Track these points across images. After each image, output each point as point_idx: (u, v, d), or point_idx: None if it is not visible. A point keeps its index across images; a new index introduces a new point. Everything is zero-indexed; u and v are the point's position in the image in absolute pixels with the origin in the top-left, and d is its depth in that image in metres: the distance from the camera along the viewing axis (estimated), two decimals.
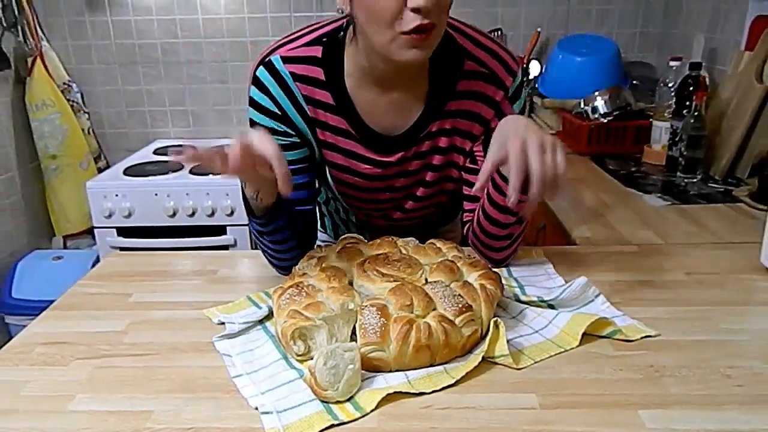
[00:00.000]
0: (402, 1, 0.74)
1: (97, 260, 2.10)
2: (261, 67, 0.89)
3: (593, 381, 0.68)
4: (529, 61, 2.23)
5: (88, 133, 2.39)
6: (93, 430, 0.61)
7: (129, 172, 2.06)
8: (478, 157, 0.93)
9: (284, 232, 0.86)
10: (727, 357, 0.71)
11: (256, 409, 0.63)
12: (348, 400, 0.64)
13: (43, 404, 0.66)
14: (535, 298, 0.83)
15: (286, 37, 0.91)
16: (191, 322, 0.82)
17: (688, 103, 1.48)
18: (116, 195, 1.94)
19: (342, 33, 0.88)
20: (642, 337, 0.76)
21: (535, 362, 0.71)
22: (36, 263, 2.12)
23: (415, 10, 0.74)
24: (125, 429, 0.61)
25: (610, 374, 0.69)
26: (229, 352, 0.74)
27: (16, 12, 2.20)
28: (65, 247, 2.37)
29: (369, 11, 0.76)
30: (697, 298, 0.86)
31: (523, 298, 0.84)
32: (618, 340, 0.75)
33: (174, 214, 1.94)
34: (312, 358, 0.66)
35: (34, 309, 1.89)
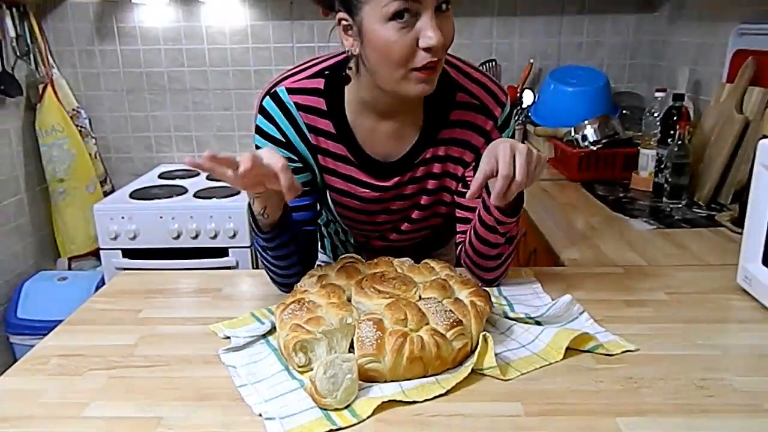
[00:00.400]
0: (414, 42, 0.81)
1: (102, 281, 2.15)
2: (267, 98, 0.96)
3: (575, 391, 0.72)
4: (522, 91, 2.31)
5: (95, 157, 2.46)
6: None
7: (135, 195, 2.12)
8: (469, 182, 0.99)
9: (288, 247, 0.92)
10: (701, 370, 0.76)
11: (260, 415, 0.68)
12: (346, 407, 0.69)
13: (60, 411, 0.70)
14: (523, 315, 0.88)
15: (290, 70, 0.98)
16: (198, 336, 0.87)
17: (672, 132, 1.55)
18: (122, 217, 2.00)
19: (345, 68, 0.95)
20: (622, 352, 0.80)
21: (522, 374, 0.76)
22: (41, 284, 2.16)
23: (427, 50, 0.81)
24: None
25: (591, 385, 0.74)
26: (234, 364, 0.78)
27: (29, 41, 2.29)
28: (70, 269, 2.42)
29: (383, 53, 0.82)
30: (675, 316, 0.91)
31: (511, 315, 0.89)
32: (600, 354, 0.80)
33: (178, 236, 2.00)
34: (312, 370, 0.71)
35: (39, 329, 1.96)
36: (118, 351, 0.83)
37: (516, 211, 0.92)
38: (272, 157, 0.77)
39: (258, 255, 0.97)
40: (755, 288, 0.94)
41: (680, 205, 1.53)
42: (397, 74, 0.84)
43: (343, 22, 0.86)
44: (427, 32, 0.80)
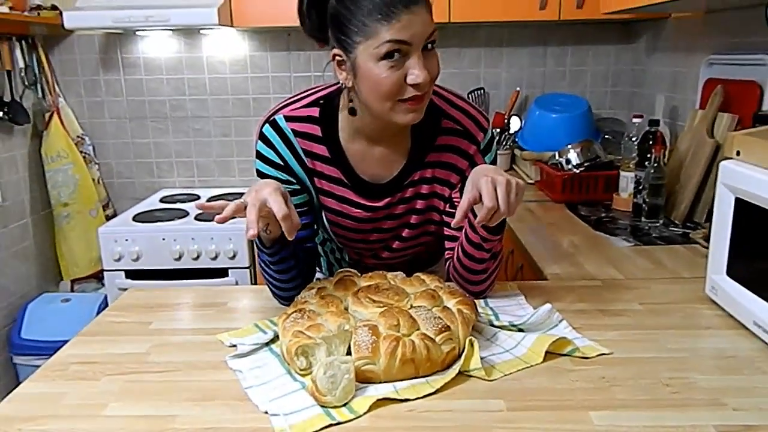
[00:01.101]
0: (403, 78, 0.90)
1: (104, 302, 2.20)
2: (267, 125, 1.04)
3: (553, 390, 0.80)
4: (509, 117, 2.42)
5: (98, 182, 2.54)
6: (126, 431, 0.72)
7: (138, 218, 2.19)
8: (456, 202, 1.07)
9: (289, 261, 1.00)
10: (668, 371, 0.84)
11: (266, 412, 0.75)
12: (344, 405, 0.76)
13: (82, 411, 0.77)
14: (507, 323, 0.95)
15: (288, 99, 1.07)
16: (206, 345, 0.94)
17: (648, 155, 1.65)
18: (126, 239, 2.07)
19: (338, 97, 1.03)
20: (597, 355, 0.88)
21: (505, 375, 0.83)
22: (45, 306, 2.22)
23: (414, 85, 0.90)
24: (154, 430, 0.72)
25: (568, 384, 0.81)
26: (241, 368, 0.85)
27: (37, 72, 2.39)
28: (72, 291, 2.48)
29: (375, 87, 0.91)
30: (647, 324, 0.98)
31: (496, 323, 0.96)
32: (576, 357, 0.87)
33: (180, 257, 2.06)
34: (312, 374, 0.78)
35: (43, 350, 2.02)
36: (132, 359, 0.90)
37: (500, 230, 1.00)
38: (275, 204, 0.85)
39: (261, 271, 1.04)
40: (720, 297, 1.02)
41: (658, 224, 1.61)
42: (386, 106, 0.93)
43: (338, 58, 0.94)
44: (415, 71, 0.89)
